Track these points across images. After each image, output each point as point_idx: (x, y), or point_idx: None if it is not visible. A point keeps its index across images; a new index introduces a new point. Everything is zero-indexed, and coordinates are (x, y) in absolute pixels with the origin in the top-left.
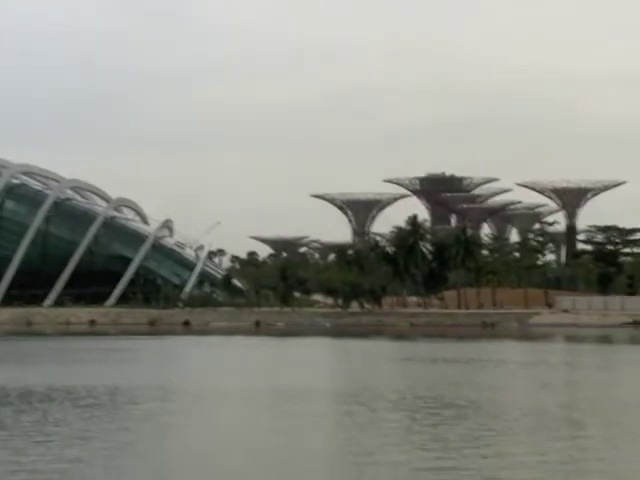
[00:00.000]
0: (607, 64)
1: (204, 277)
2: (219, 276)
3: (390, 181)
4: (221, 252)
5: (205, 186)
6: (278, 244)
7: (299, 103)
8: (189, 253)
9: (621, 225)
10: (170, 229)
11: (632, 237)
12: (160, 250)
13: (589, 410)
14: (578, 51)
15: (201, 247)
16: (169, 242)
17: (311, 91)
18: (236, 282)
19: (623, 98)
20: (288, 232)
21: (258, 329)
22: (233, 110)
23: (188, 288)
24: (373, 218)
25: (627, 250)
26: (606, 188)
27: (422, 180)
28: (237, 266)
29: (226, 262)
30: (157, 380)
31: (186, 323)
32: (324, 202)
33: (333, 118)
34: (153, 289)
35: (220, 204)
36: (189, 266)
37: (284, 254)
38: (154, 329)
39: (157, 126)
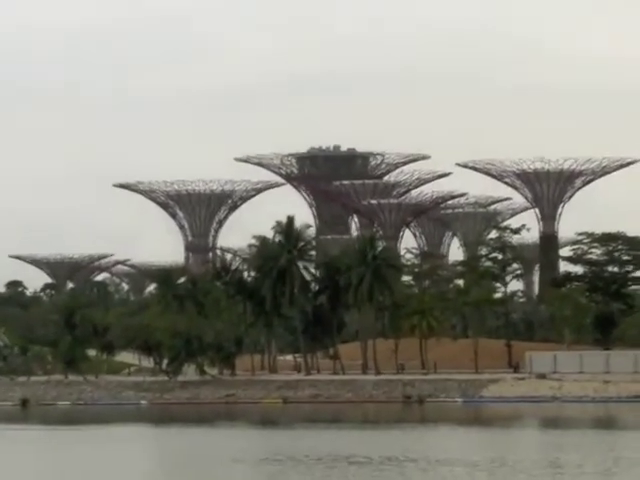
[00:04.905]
0: None
1: None
2: None
3: (246, 160)
4: None
5: None
6: (60, 268)
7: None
8: None
9: (630, 233)
10: None
11: None
12: None
13: None
14: None
15: None
16: None
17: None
18: None
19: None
20: (76, 249)
21: (26, 412)
22: None
23: None
24: (220, 223)
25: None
26: (604, 172)
27: (301, 159)
28: None
29: None
30: None
31: None
32: (136, 196)
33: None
34: None
35: None
36: None
37: (70, 285)
38: None
39: None
